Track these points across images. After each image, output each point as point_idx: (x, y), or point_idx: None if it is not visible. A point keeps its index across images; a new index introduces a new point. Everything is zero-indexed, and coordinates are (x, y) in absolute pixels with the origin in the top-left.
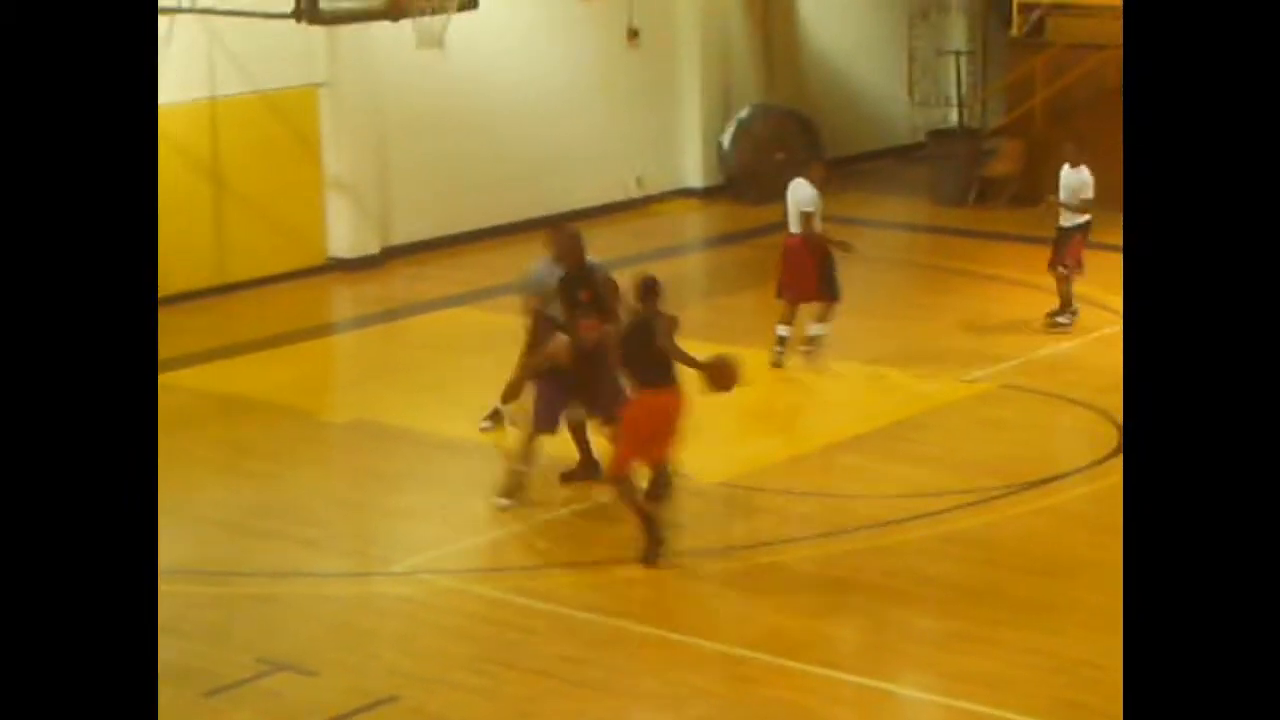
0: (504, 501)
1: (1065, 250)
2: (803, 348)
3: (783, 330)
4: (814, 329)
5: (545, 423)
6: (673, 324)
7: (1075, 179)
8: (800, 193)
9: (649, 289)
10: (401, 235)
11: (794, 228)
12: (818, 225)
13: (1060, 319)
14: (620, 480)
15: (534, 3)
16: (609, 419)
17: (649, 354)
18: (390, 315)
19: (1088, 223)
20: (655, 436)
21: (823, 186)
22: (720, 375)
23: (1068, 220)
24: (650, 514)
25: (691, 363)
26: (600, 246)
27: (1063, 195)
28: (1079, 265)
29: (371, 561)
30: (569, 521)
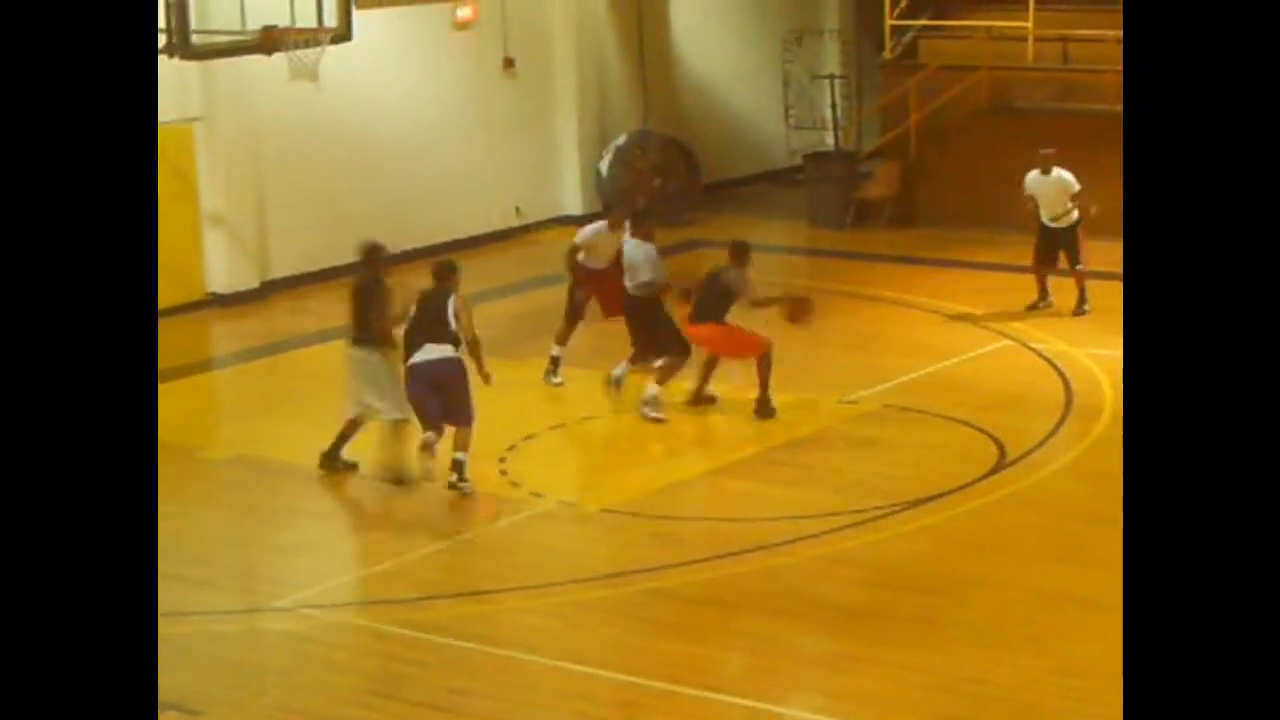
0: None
1: (1077, 248)
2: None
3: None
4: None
5: None
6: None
7: (1058, 182)
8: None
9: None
10: (280, 269)
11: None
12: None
13: (1085, 307)
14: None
15: (408, 33)
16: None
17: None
18: (271, 349)
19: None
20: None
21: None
22: (798, 309)
23: (1064, 220)
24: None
25: (770, 302)
26: (481, 275)
27: (1043, 200)
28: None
29: (257, 598)
30: (453, 552)
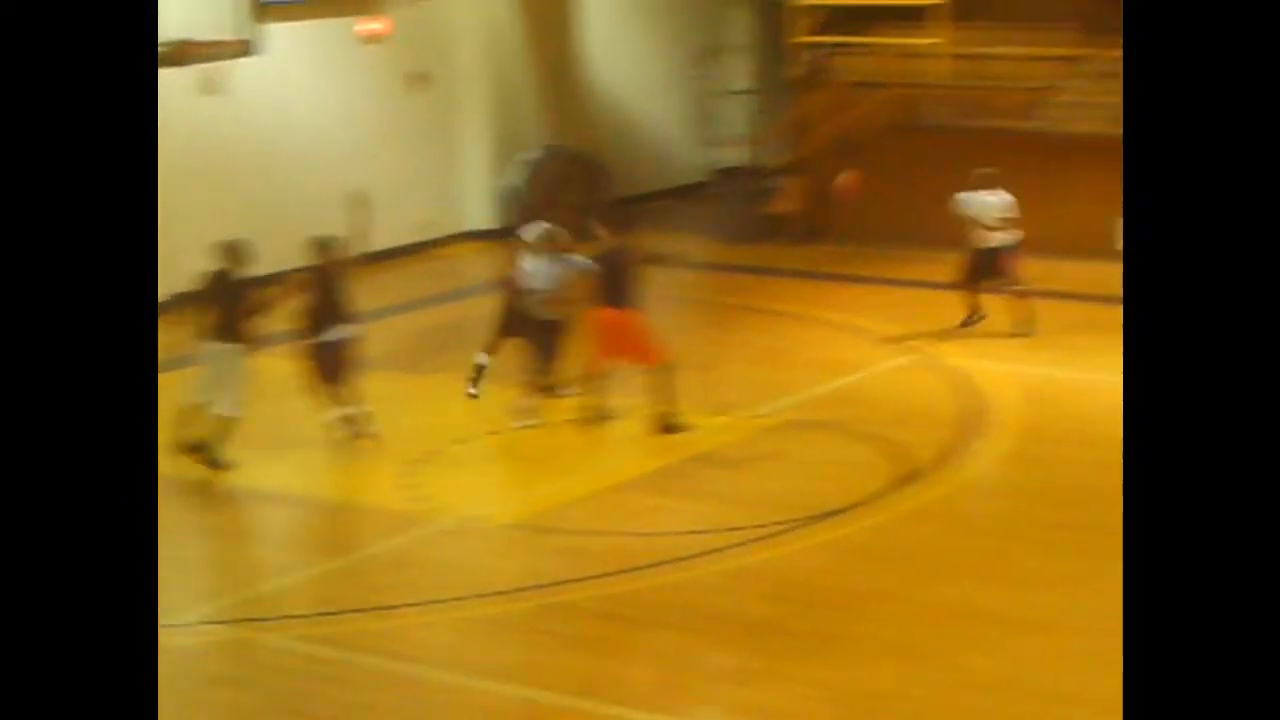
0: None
1: (1010, 268)
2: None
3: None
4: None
5: None
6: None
7: (999, 201)
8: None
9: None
10: (187, 283)
11: None
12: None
13: (1024, 329)
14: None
15: (316, 47)
16: None
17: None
18: (170, 364)
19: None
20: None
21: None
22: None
23: (1000, 240)
24: None
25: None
26: (388, 290)
27: (982, 218)
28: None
29: (170, 616)
30: (356, 567)
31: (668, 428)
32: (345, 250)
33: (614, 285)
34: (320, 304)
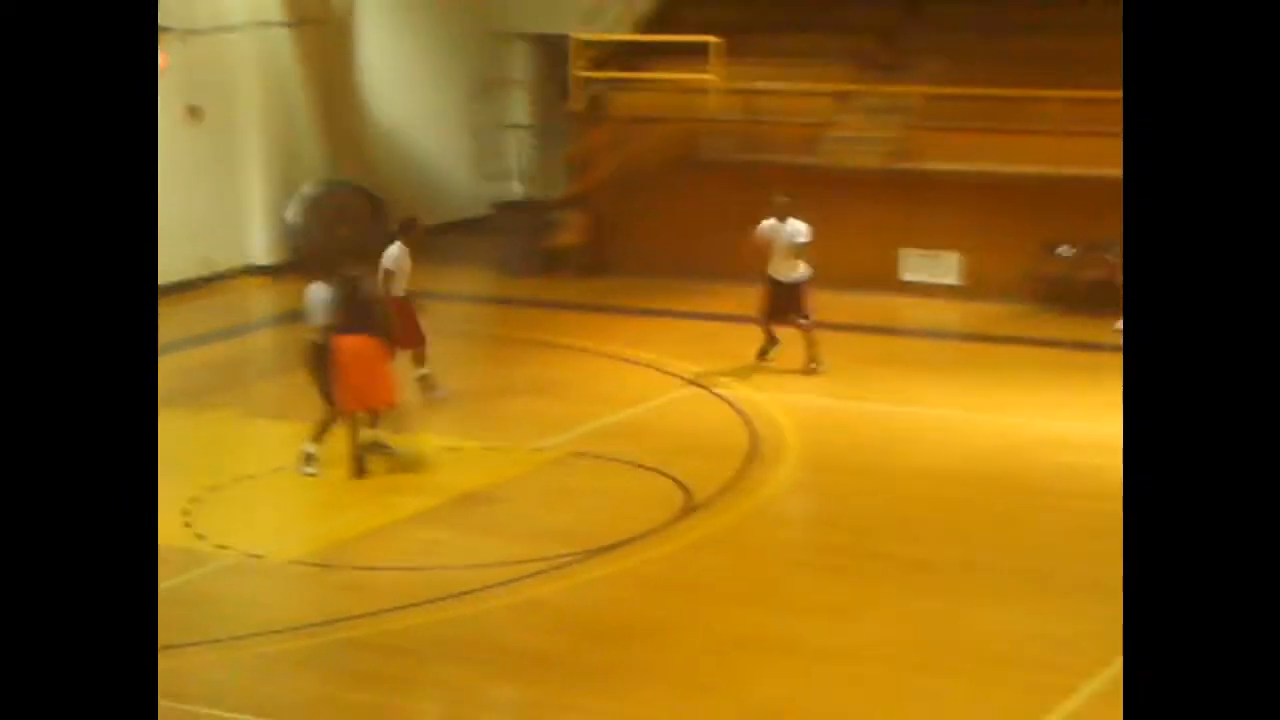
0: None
1: (804, 302)
2: (429, 393)
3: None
4: (420, 372)
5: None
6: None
7: (797, 229)
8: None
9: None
10: None
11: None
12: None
13: (814, 365)
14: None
15: None
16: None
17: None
18: None
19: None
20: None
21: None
22: None
23: (795, 274)
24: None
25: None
26: (170, 326)
27: (777, 250)
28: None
29: None
30: None
31: (360, 470)
32: None
33: (356, 315)
34: None
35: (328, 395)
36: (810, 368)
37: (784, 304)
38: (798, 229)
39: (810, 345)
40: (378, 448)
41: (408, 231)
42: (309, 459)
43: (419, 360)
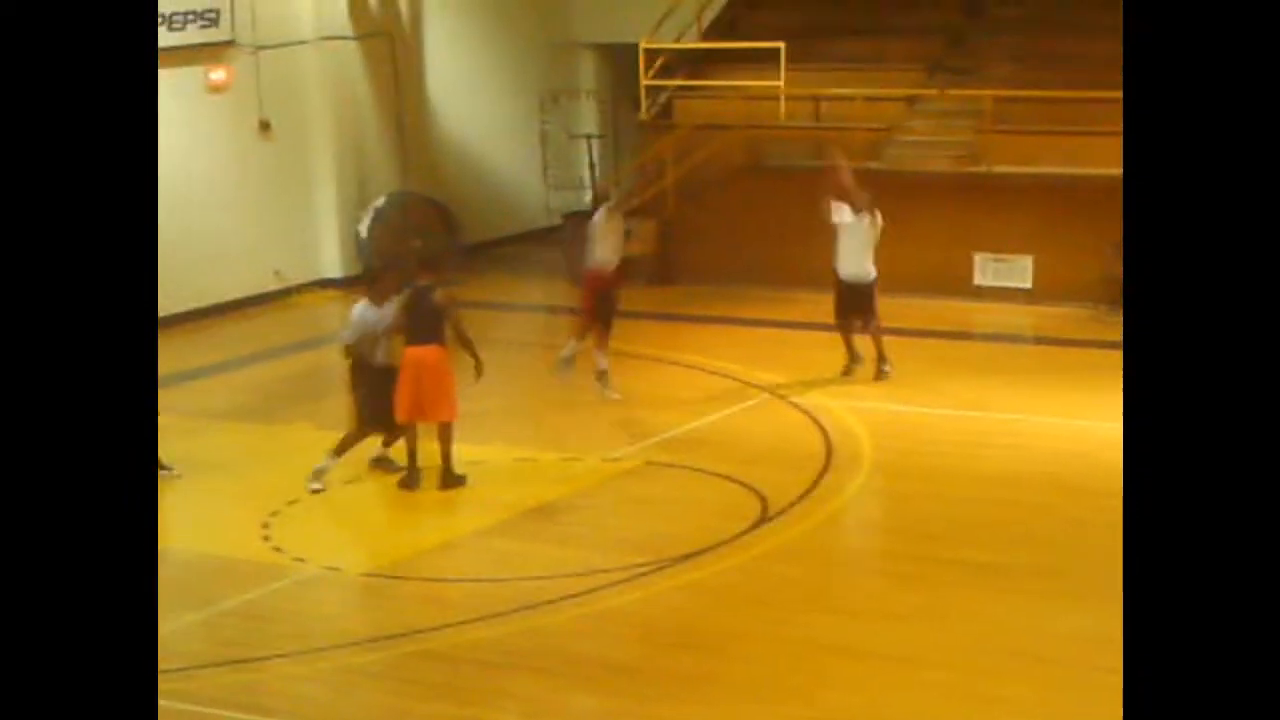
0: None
1: (871, 304)
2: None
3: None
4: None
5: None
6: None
7: (868, 224)
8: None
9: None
10: None
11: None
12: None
13: (885, 368)
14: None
15: (163, 96)
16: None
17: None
18: None
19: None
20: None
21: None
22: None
23: (865, 273)
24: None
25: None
26: (241, 340)
27: (846, 247)
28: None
29: None
30: (215, 621)
31: (449, 482)
32: None
33: (420, 325)
34: None
35: (363, 412)
36: (883, 372)
37: (852, 305)
38: (864, 224)
39: (879, 348)
40: (383, 463)
41: (604, 199)
42: (319, 474)
43: (601, 345)
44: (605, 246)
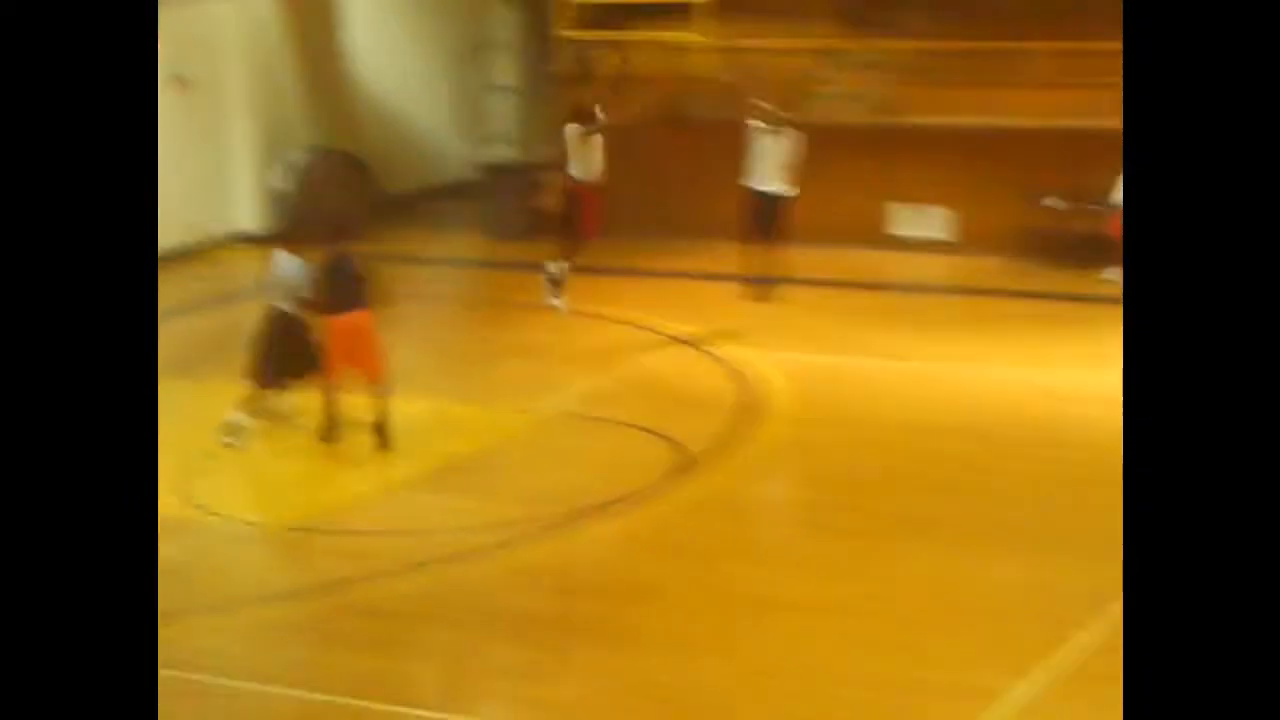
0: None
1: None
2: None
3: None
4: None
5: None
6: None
7: (787, 144)
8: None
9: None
10: None
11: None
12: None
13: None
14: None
15: None
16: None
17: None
18: None
19: None
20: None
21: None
22: None
23: (779, 188)
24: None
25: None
26: (160, 295)
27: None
28: None
29: None
30: None
31: (385, 440)
32: None
33: (343, 289)
34: None
35: (268, 363)
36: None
37: (764, 218)
38: (783, 144)
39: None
40: (278, 417)
41: (588, 121)
42: (235, 429)
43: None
44: (592, 166)
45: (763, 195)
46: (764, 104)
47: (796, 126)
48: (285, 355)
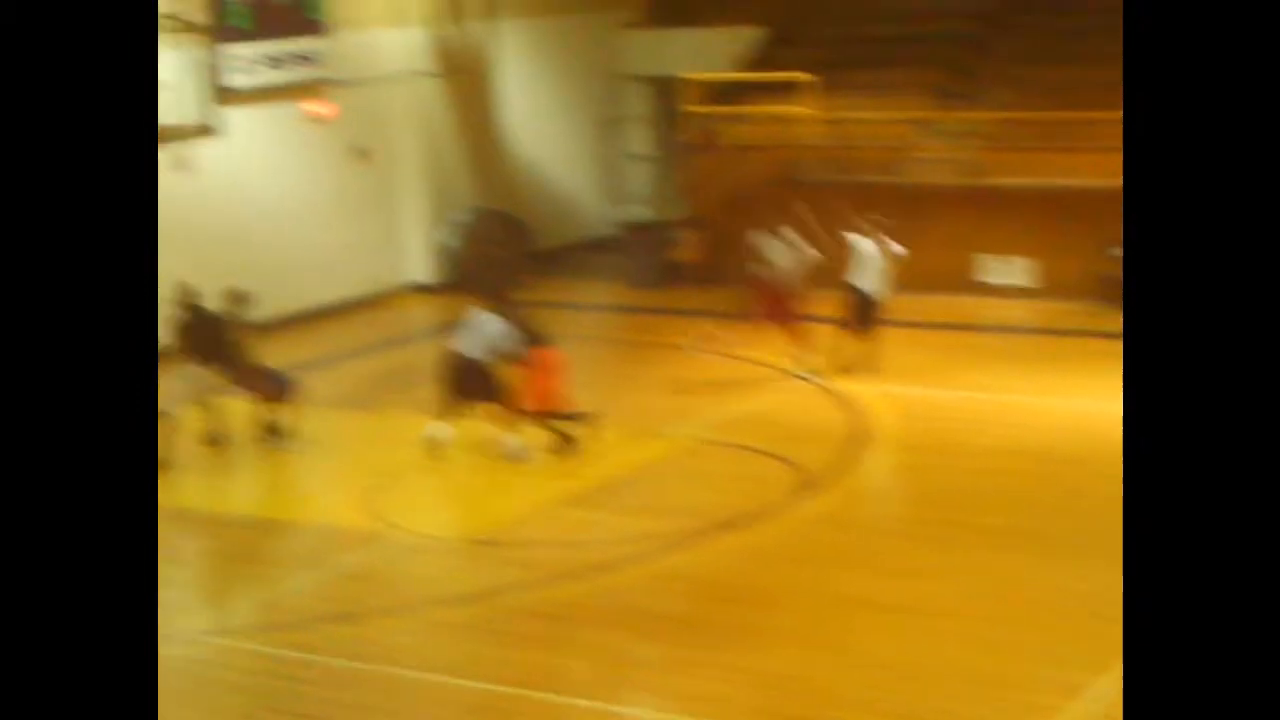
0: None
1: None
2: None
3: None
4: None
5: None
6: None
7: (888, 251)
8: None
9: None
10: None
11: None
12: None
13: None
14: None
15: (270, 127)
16: None
17: None
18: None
19: None
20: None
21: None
22: None
23: (879, 289)
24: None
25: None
26: (341, 338)
27: (859, 262)
28: None
29: (163, 628)
30: (325, 581)
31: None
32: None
33: (536, 339)
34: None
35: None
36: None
37: (865, 313)
38: (883, 251)
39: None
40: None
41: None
42: (434, 443)
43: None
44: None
45: (860, 293)
46: (864, 222)
47: (889, 240)
48: (464, 390)
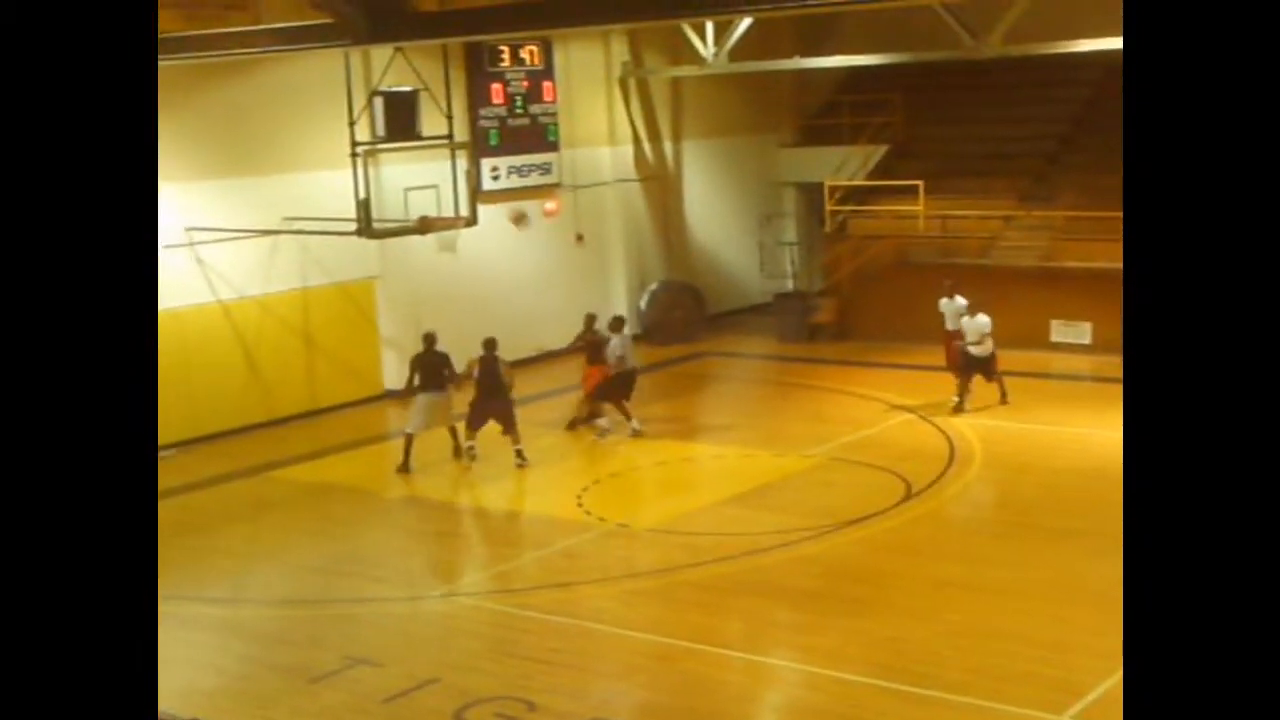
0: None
1: (994, 367)
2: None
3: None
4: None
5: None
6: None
7: (977, 322)
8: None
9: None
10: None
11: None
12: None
13: (1006, 399)
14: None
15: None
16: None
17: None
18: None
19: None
20: None
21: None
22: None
23: (981, 351)
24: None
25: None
26: (564, 376)
27: (950, 318)
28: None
29: (419, 590)
30: (548, 557)
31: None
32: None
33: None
34: (484, 378)
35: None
36: (1005, 401)
37: (973, 369)
38: (962, 306)
39: (1000, 390)
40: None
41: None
42: (602, 430)
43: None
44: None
45: (967, 354)
46: (959, 296)
47: (978, 310)
48: (611, 389)
